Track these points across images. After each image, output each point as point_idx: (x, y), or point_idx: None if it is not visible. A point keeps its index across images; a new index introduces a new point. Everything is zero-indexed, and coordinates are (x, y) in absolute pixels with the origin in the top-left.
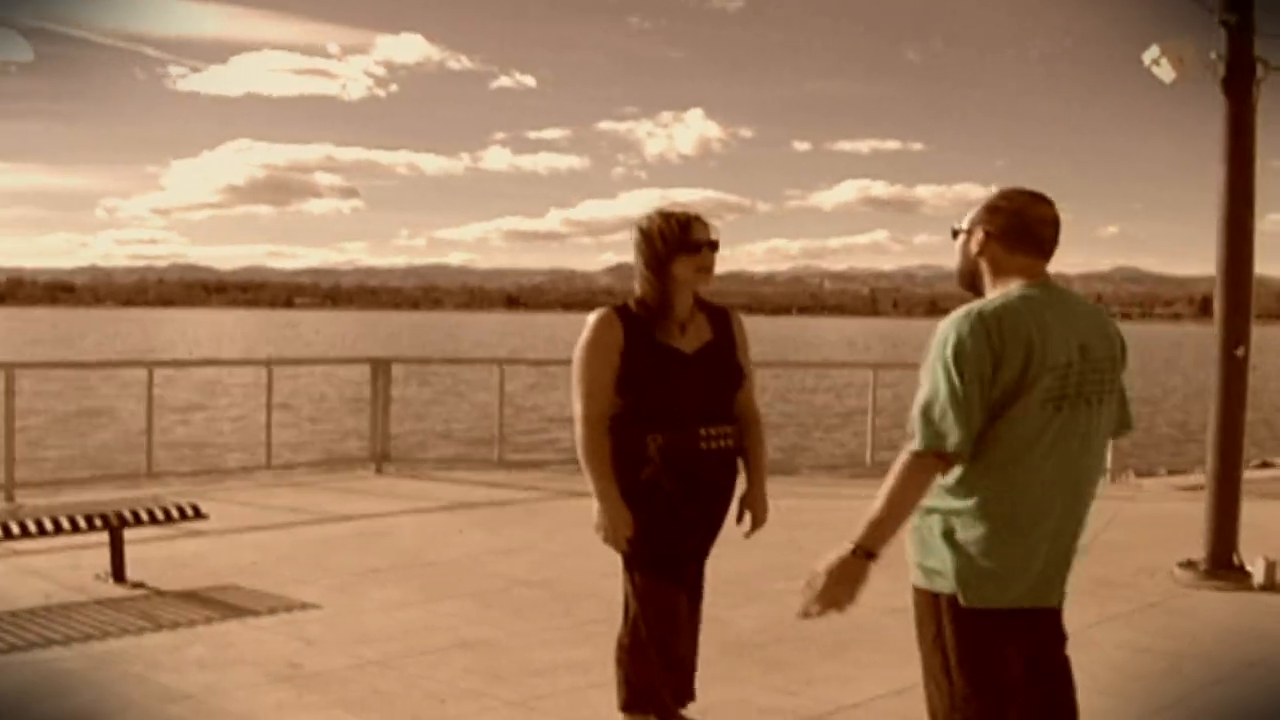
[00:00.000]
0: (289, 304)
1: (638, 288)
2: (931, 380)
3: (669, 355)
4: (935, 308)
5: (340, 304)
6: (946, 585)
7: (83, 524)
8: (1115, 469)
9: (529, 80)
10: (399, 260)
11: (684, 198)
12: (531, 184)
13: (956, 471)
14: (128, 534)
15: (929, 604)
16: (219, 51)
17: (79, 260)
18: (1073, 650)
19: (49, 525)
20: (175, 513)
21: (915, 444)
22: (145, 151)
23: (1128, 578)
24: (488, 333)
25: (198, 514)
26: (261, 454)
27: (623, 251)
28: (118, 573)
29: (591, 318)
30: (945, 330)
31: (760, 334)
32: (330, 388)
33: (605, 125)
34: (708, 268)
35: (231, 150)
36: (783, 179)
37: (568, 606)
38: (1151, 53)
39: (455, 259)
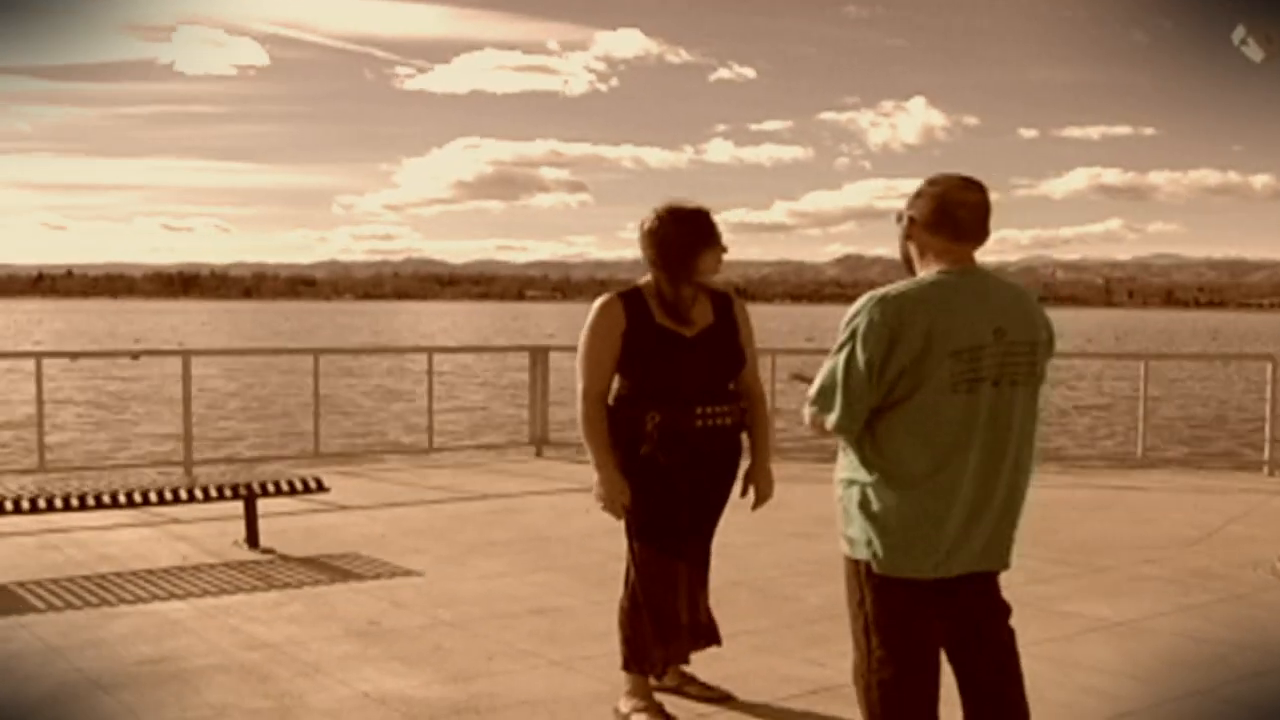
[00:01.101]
0: (520, 296)
1: (652, 276)
2: (831, 360)
3: (670, 338)
4: (1172, 298)
5: (570, 296)
6: (863, 553)
7: (214, 494)
8: None
9: (748, 72)
10: (627, 253)
11: (909, 188)
12: (755, 176)
13: (873, 446)
14: (275, 507)
15: (852, 571)
16: (443, 51)
17: (318, 255)
18: (1125, 637)
19: (184, 495)
20: (300, 485)
21: (807, 411)
22: (377, 150)
23: (1229, 570)
24: None
25: (320, 487)
26: (448, 436)
27: (850, 242)
28: (252, 539)
29: (596, 303)
30: (850, 313)
31: None
32: (522, 374)
33: (827, 115)
34: (721, 259)
35: (460, 147)
36: (1010, 167)
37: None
38: (1238, 33)
39: None
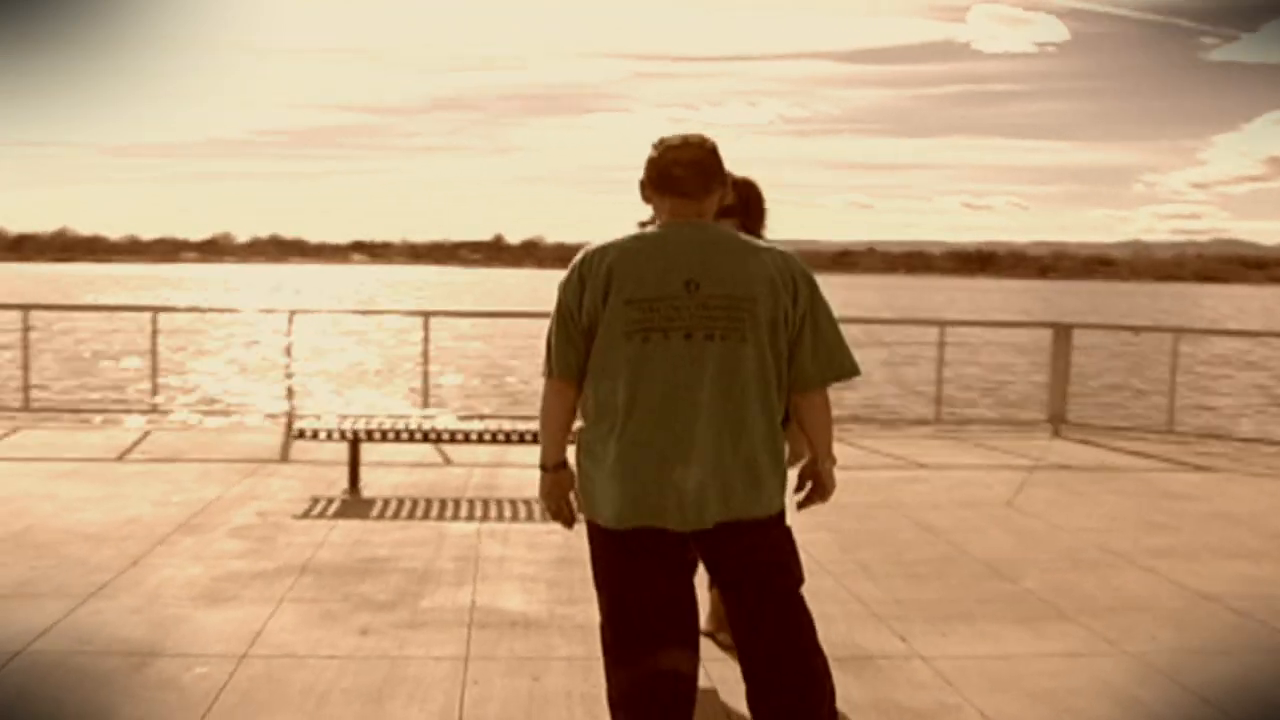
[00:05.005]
0: None
1: None
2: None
3: None
4: None
5: None
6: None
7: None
8: None
9: None
10: None
11: None
12: None
13: (581, 395)
14: None
15: None
16: (1252, 19)
17: (1118, 235)
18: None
19: (529, 437)
20: None
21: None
22: (1181, 125)
23: None
24: None
25: None
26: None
27: None
28: None
29: None
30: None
31: None
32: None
33: None
34: None
35: (1271, 120)
36: None
37: (904, 548)
38: None
39: None
